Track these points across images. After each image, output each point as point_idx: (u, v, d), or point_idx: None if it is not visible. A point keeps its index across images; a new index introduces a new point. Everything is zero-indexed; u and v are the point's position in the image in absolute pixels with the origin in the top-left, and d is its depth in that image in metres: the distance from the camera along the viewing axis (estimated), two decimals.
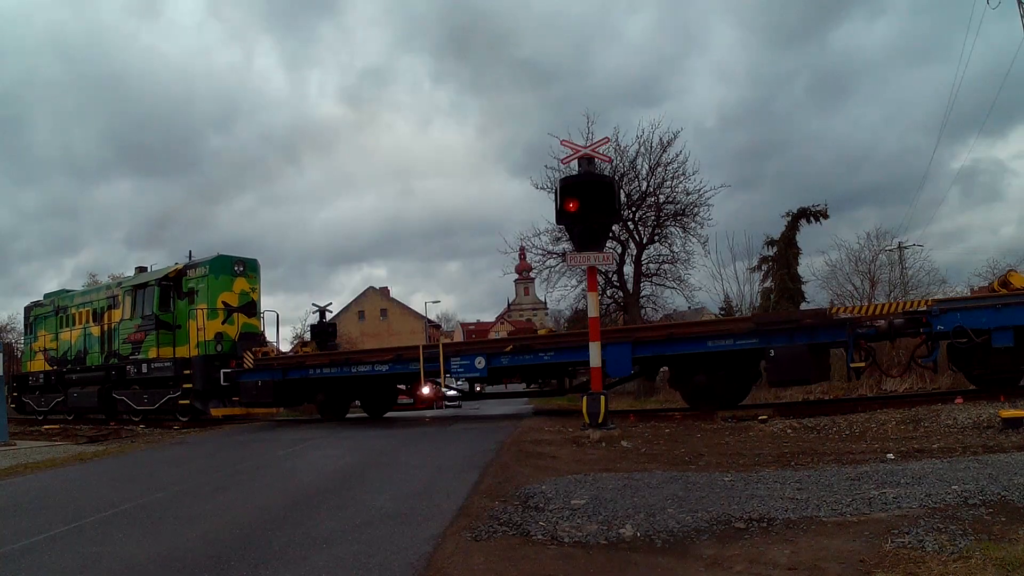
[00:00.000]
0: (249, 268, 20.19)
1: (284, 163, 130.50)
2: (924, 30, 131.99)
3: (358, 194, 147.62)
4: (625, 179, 24.97)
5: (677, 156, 25.05)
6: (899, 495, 5.45)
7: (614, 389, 17.08)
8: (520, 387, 17.44)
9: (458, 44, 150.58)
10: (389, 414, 19.86)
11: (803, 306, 27.79)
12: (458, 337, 73.34)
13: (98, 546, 5.55)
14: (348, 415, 18.80)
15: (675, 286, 26.64)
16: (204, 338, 18.70)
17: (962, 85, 73.91)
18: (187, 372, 18.59)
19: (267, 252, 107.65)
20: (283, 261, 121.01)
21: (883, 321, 11.96)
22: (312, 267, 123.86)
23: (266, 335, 21.20)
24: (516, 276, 76.92)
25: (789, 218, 31.16)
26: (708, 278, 33.66)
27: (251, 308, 19.95)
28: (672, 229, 25.91)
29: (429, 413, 20.64)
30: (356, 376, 16.63)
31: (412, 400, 19.72)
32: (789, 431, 10.22)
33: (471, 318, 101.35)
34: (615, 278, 26.43)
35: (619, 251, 25.63)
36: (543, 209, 55.52)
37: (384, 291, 73.43)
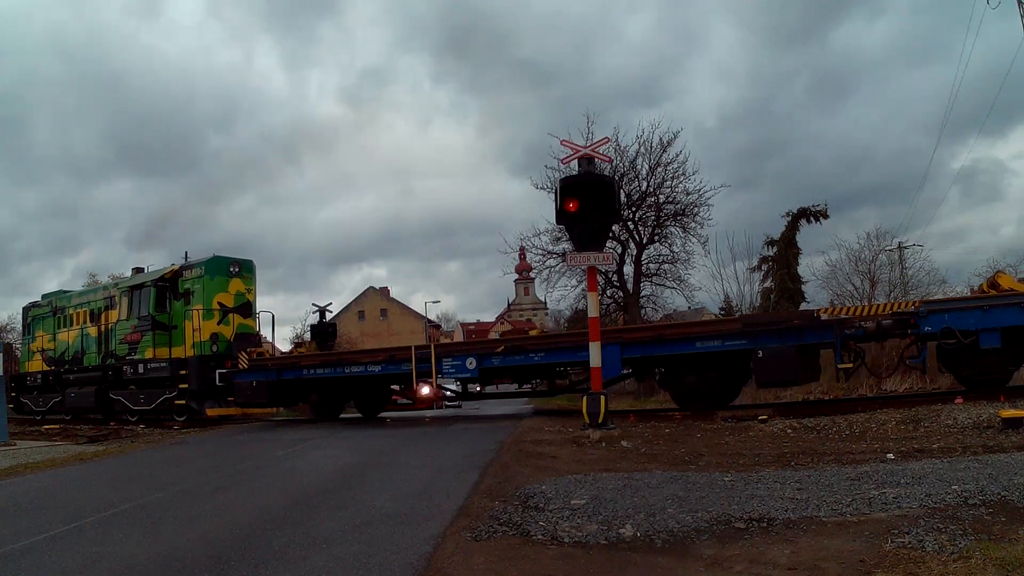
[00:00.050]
0: (245, 269, 20.27)
1: (284, 163, 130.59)
2: (924, 30, 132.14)
3: (358, 194, 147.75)
4: (625, 179, 24.99)
5: (677, 156, 25.10)
6: (899, 495, 5.45)
7: (611, 389, 17.09)
8: (511, 388, 17.46)
9: (458, 44, 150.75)
10: (390, 414, 19.87)
11: (803, 306, 27.80)
12: (458, 337, 73.36)
13: (98, 546, 5.55)
14: (343, 415, 18.84)
15: (675, 286, 26.69)
16: (200, 339, 18.78)
17: (962, 85, 73.97)
18: (183, 372, 18.67)
19: (267, 252, 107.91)
20: (283, 261, 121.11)
21: (871, 322, 12.00)
22: (312, 267, 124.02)
23: (263, 335, 21.27)
24: (516, 276, 76.93)
25: (789, 218, 31.20)
26: (708, 278, 33.70)
27: (247, 309, 20.01)
28: (672, 229, 25.95)
29: (429, 413, 20.64)
30: (350, 376, 16.70)
31: (408, 400, 19.78)
32: (789, 431, 10.22)
33: (471, 318, 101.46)
34: (615, 278, 26.44)
35: (619, 251, 25.63)
36: (543, 209, 55.56)
37: (384, 291, 73.44)
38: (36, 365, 24.23)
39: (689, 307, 29.34)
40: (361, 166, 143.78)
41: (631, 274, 26.33)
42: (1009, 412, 8.74)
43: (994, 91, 72.14)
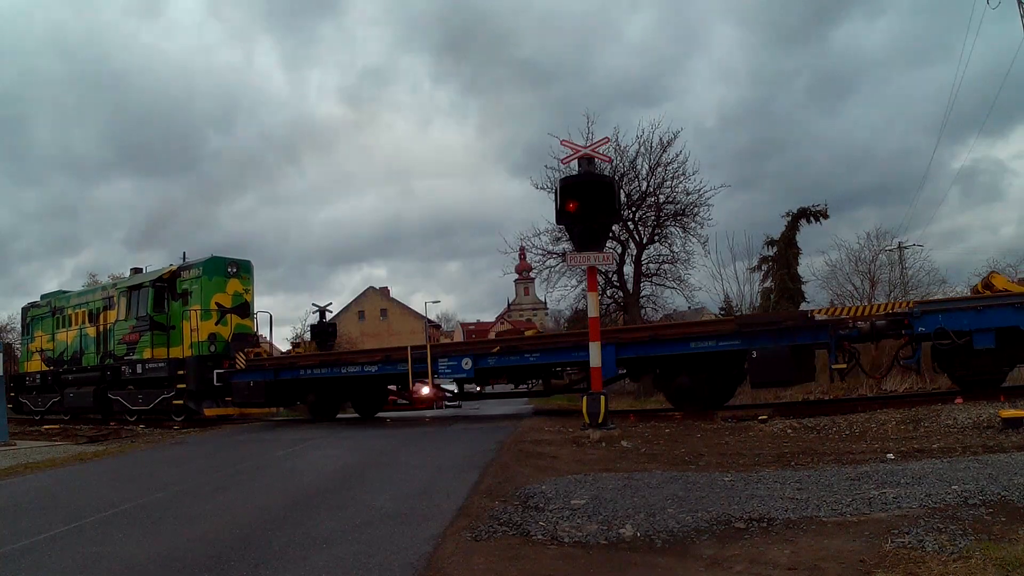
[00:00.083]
0: (242, 269, 20.30)
1: (284, 163, 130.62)
2: (924, 30, 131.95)
3: (358, 194, 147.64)
4: (625, 179, 24.98)
5: (677, 156, 25.08)
6: (899, 495, 5.45)
7: (610, 389, 17.10)
8: (509, 388, 17.51)
9: (458, 44, 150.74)
10: (390, 414, 19.87)
11: (803, 306, 27.80)
12: (458, 337, 73.38)
13: (98, 546, 5.55)
14: (341, 416, 18.87)
15: (675, 286, 26.68)
16: (198, 339, 18.80)
17: (962, 85, 73.94)
18: (181, 372, 18.71)
19: (267, 252, 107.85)
20: (283, 261, 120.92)
21: (865, 323, 12.02)
22: (312, 267, 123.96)
23: (262, 335, 21.29)
24: (516, 276, 76.91)
25: (789, 218, 31.19)
26: (708, 278, 33.62)
27: (244, 309, 20.05)
28: (672, 229, 25.94)
29: (429, 413, 20.64)
30: (346, 377, 16.73)
31: (406, 401, 19.80)
32: (789, 431, 10.22)
33: (471, 318, 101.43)
34: (615, 278, 26.44)
35: (619, 251, 25.63)
36: (543, 209, 55.55)
37: (384, 291, 73.45)
38: (35, 365, 24.25)
39: (689, 307, 29.35)
40: (361, 166, 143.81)
41: (631, 274, 26.33)
42: (1009, 412, 8.74)
43: (994, 91, 72.17)
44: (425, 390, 16.67)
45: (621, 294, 26.55)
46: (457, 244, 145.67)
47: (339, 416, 18.83)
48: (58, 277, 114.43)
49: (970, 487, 5.46)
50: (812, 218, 30.77)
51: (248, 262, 20.68)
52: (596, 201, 10.88)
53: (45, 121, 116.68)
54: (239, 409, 18.92)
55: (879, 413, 10.59)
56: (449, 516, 5.89)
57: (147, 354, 19.56)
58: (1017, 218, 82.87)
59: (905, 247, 29.00)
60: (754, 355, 12.13)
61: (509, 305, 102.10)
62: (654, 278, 26.98)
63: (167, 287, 19.92)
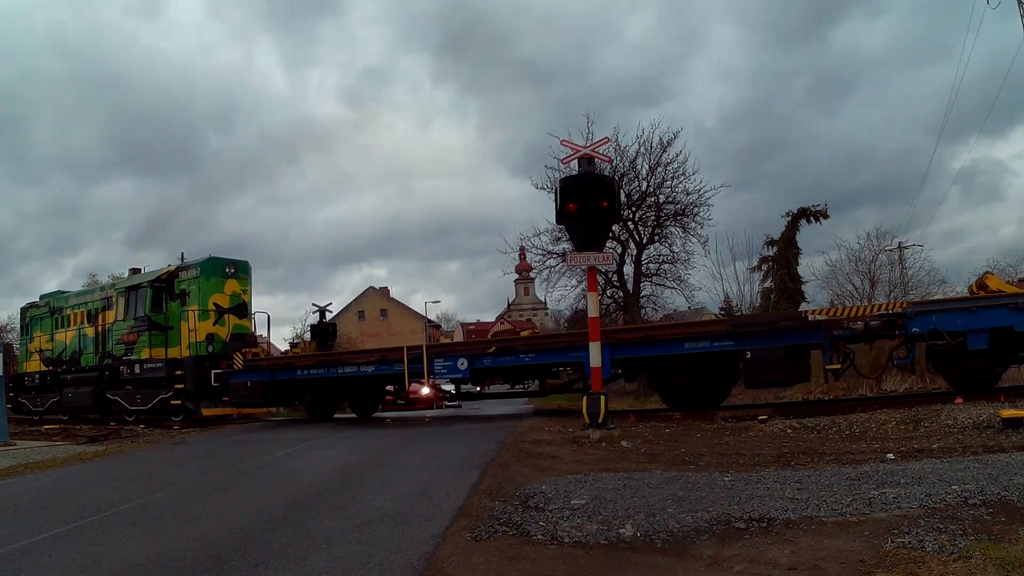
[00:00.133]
0: (240, 270, 20.33)
1: (284, 163, 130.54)
2: (924, 30, 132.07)
3: (358, 194, 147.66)
4: (625, 179, 24.96)
5: (677, 156, 25.05)
6: (899, 495, 5.45)
7: (610, 389, 17.13)
8: (505, 388, 17.55)
9: (458, 44, 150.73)
10: (390, 414, 19.90)
11: (803, 306, 27.79)
12: (458, 337, 73.37)
13: (98, 546, 5.55)
14: (338, 416, 18.91)
15: (675, 286, 26.65)
16: (195, 339, 18.84)
17: (962, 85, 73.94)
18: (179, 373, 18.76)
19: (267, 252, 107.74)
20: (283, 261, 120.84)
21: (859, 323, 12.02)
22: (312, 267, 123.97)
23: (262, 335, 21.31)
24: (516, 276, 76.94)
25: (789, 218, 31.17)
26: (708, 278, 33.63)
27: (242, 309, 20.10)
28: (672, 229, 25.92)
29: (429, 413, 20.66)
30: (343, 377, 16.78)
31: (403, 401, 19.84)
32: (789, 431, 10.22)
33: (471, 318, 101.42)
34: (615, 278, 26.43)
35: (619, 251, 25.61)
36: (543, 209, 55.52)
37: (384, 291, 73.45)
38: (34, 365, 24.28)
39: (689, 307, 29.35)
40: (361, 166, 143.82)
41: (631, 274, 26.32)
42: (1009, 412, 8.74)
43: (994, 91, 72.14)
44: (425, 390, 16.71)
45: (621, 294, 26.54)
46: (457, 244, 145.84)
47: (338, 416, 18.86)
48: (58, 277, 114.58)
49: (970, 487, 5.46)
50: (812, 218, 30.76)
51: (246, 262, 20.72)
52: (596, 201, 10.88)
53: (45, 121, 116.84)
54: (237, 409, 18.97)
55: (879, 413, 10.59)
56: (449, 516, 5.89)
57: (145, 354, 19.60)
58: (1017, 218, 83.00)
59: (905, 247, 29.06)
60: (748, 356, 12.17)
61: (509, 305, 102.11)
62: (654, 278, 26.97)
63: (165, 287, 19.96)
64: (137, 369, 19.72)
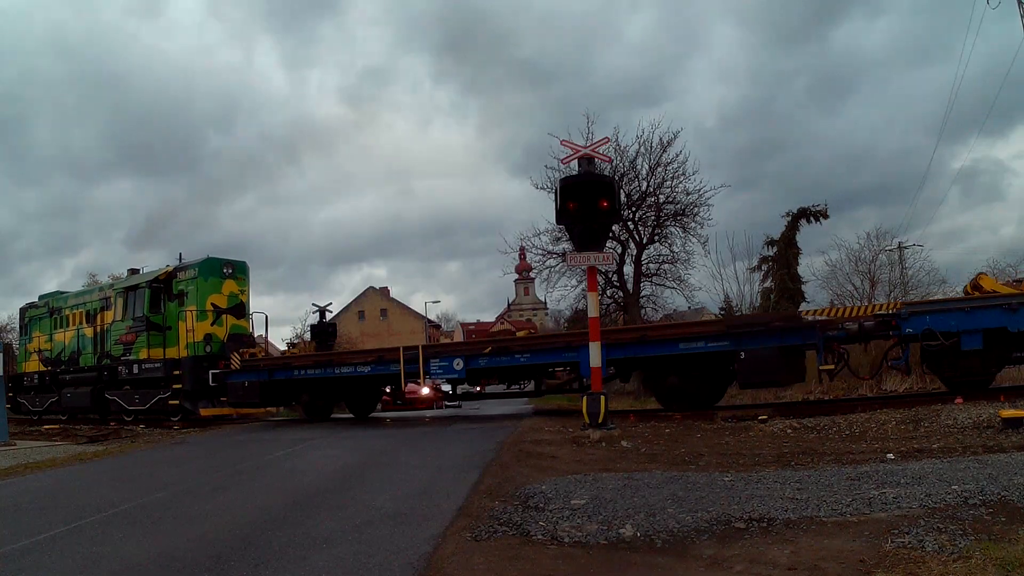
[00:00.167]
0: (238, 270, 20.40)
1: (284, 163, 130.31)
2: (924, 30, 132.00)
3: (358, 194, 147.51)
4: (625, 179, 24.96)
5: (677, 156, 25.05)
6: (899, 495, 5.45)
7: (610, 389, 17.16)
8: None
9: (458, 44, 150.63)
10: (390, 414, 19.92)
11: (803, 306, 27.78)
12: (458, 337, 73.35)
13: (98, 546, 5.55)
14: (338, 416, 18.95)
15: (675, 286, 26.66)
16: (193, 339, 18.92)
17: (962, 85, 73.93)
18: (177, 373, 18.83)
19: (267, 252, 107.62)
20: (283, 261, 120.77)
21: (854, 324, 12.02)
22: (312, 267, 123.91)
23: (263, 336, 21.33)
24: (516, 276, 76.93)
25: (789, 218, 31.15)
26: (708, 278, 33.58)
27: (240, 310, 20.16)
28: (672, 229, 25.92)
29: (429, 413, 20.68)
30: (340, 377, 16.83)
31: (400, 401, 19.86)
32: (789, 431, 10.22)
33: (471, 318, 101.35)
34: (615, 278, 26.43)
35: (619, 251, 25.61)
36: (543, 209, 55.57)
37: (384, 291, 73.44)
38: (33, 365, 24.33)
39: (689, 307, 29.35)
40: (361, 166, 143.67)
41: (631, 274, 26.32)
42: (1009, 412, 8.74)
43: (994, 91, 72.15)
44: (424, 390, 16.74)
45: (621, 294, 26.54)
46: (457, 244, 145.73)
47: (336, 416, 18.91)
48: (58, 277, 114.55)
49: (970, 487, 5.46)
50: (812, 218, 30.74)
51: (244, 263, 20.79)
52: (596, 201, 10.89)
53: (45, 121, 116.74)
54: (234, 409, 19.08)
55: (879, 413, 10.59)
56: (449, 516, 5.89)
57: (143, 354, 19.67)
58: (1017, 218, 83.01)
59: (905, 247, 29.03)
60: (743, 356, 12.23)
61: (509, 305, 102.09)
62: (654, 278, 26.98)
63: (163, 288, 20.04)
64: (135, 369, 19.78)
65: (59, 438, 16.82)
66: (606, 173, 13.56)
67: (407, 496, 6.94)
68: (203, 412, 18.57)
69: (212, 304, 19.48)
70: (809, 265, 36.87)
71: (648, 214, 25.85)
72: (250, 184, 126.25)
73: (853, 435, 9.51)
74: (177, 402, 18.74)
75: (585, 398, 11.13)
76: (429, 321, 61.60)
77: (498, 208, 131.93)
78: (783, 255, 30.59)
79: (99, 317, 21.81)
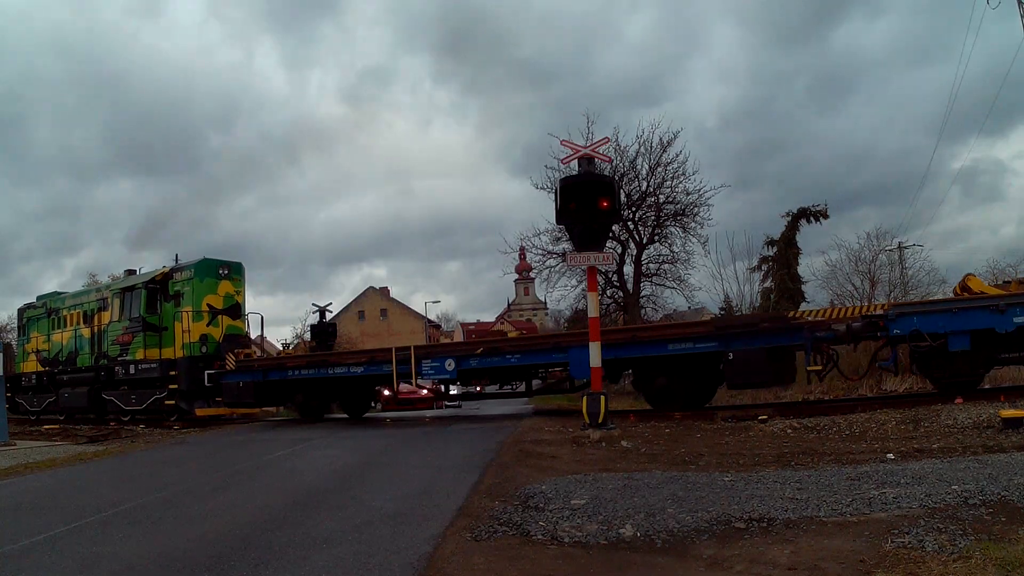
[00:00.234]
0: (234, 271, 20.50)
1: (284, 163, 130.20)
2: (924, 30, 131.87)
3: (358, 194, 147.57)
4: (625, 179, 24.97)
5: (677, 156, 25.07)
6: (899, 495, 5.45)
7: (611, 389, 17.18)
8: (507, 388, 17.65)
9: (458, 44, 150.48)
10: (390, 414, 19.93)
11: (803, 306, 27.79)
12: (458, 337, 73.35)
13: (98, 546, 5.55)
14: (337, 416, 18.97)
15: (675, 286, 26.68)
16: (189, 340, 19.02)
17: (962, 85, 73.95)
18: (173, 373, 18.91)
19: (267, 252, 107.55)
20: (283, 261, 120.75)
21: (842, 325, 12.04)
22: (312, 267, 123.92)
23: (264, 336, 21.39)
24: (516, 276, 76.94)
25: (789, 218, 31.18)
26: (708, 278, 33.62)
27: (236, 310, 20.25)
28: (672, 229, 25.94)
29: (429, 413, 20.68)
30: (334, 377, 16.91)
31: (389, 402, 19.91)
32: (789, 431, 10.22)
33: (471, 318, 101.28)
34: (615, 278, 26.44)
35: (619, 251, 25.62)
36: (543, 209, 55.51)
37: (384, 291, 73.45)
38: (31, 366, 24.42)
39: (689, 307, 29.35)
40: (361, 166, 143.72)
41: (631, 274, 26.33)
42: (1009, 412, 8.74)
43: (994, 91, 72.10)
44: (425, 391, 16.80)
45: (621, 294, 26.55)
46: (457, 244, 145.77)
47: (335, 416, 18.94)
48: (58, 277, 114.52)
49: (970, 487, 5.46)
50: (812, 218, 30.76)
51: (239, 264, 20.89)
52: (596, 201, 10.89)
53: (45, 121, 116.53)
54: (230, 409, 19.18)
55: (879, 413, 10.59)
56: (449, 516, 5.89)
57: (140, 355, 19.76)
58: (1017, 218, 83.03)
59: (905, 247, 29.04)
60: (730, 357, 12.29)
61: (509, 305, 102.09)
62: (654, 278, 27.00)
63: (159, 289, 20.16)
64: (132, 369, 19.88)
65: (59, 438, 16.84)
66: (606, 173, 13.57)
67: (407, 496, 6.94)
68: (199, 412, 18.67)
69: (208, 305, 19.57)
70: (809, 265, 36.92)
71: (648, 214, 25.87)
72: (250, 184, 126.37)
73: (853, 435, 9.51)
74: (173, 402, 18.82)
75: (585, 398, 11.13)
76: (429, 321, 61.61)
77: (498, 208, 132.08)
78: (783, 255, 30.60)
79: (96, 318, 21.91)
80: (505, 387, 17.60)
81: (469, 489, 7.03)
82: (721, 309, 28.43)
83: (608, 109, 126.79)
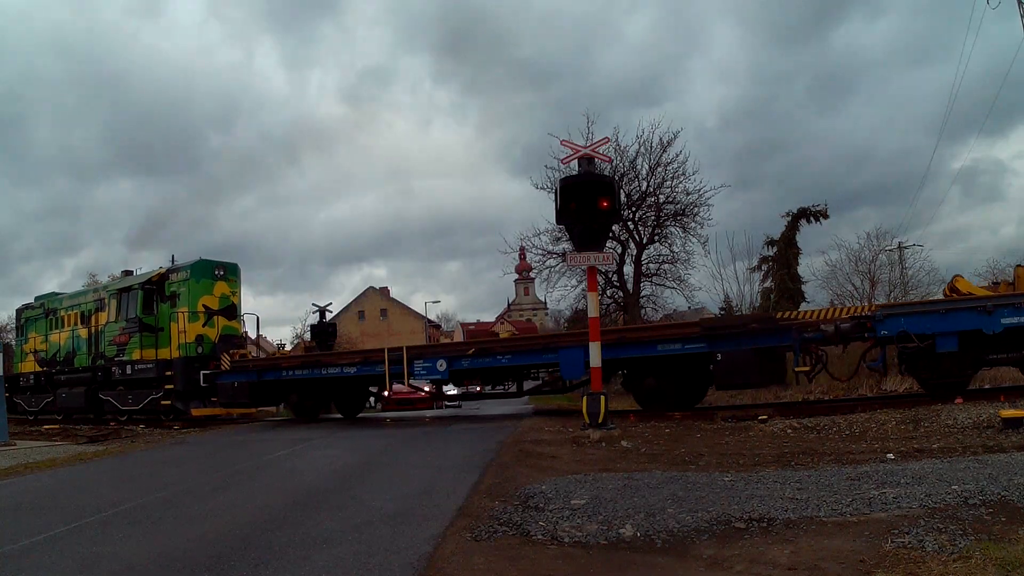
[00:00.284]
0: (229, 272, 20.59)
1: (284, 163, 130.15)
2: (924, 30, 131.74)
3: (358, 194, 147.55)
4: (625, 179, 25.00)
5: (677, 156, 25.11)
6: (899, 495, 5.45)
7: (610, 389, 17.16)
8: (508, 388, 17.69)
9: (458, 44, 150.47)
10: (390, 414, 19.96)
11: (803, 306, 27.79)
12: (458, 337, 73.36)
13: (98, 546, 5.55)
14: (336, 416, 18.97)
15: (675, 286, 26.73)
16: (185, 340, 19.09)
17: (962, 85, 74.00)
18: (169, 373, 18.98)
19: (267, 252, 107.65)
20: (283, 261, 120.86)
21: (830, 326, 12.05)
22: (312, 267, 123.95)
23: (263, 336, 21.43)
24: (516, 276, 76.94)
25: (789, 218, 31.16)
26: (708, 278, 33.72)
27: (231, 311, 20.31)
28: (672, 229, 25.98)
29: (429, 413, 20.69)
30: (328, 378, 16.97)
31: (380, 402, 19.95)
32: (789, 431, 10.22)
33: (471, 318, 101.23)
34: (615, 278, 26.46)
35: (619, 251, 25.65)
36: (543, 209, 55.56)
37: (384, 291, 73.46)
38: (29, 366, 24.48)
39: (689, 307, 29.35)
40: (361, 166, 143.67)
41: (631, 274, 26.35)
42: (1009, 412, 8.74)
43: (994, 91, 72.13)
44: (426, 389, 16.83)
45: (621, 294, 26.56)
46: (457, 244, 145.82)
47: (334, 417, 18.96)
48: (58, 277, 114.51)
49: (970, 487, 5.46)
50: (812, 218, 30.76)
51: (235, 265, 20.98)
52: (596, 201, 10.89)
53: (45, 121, 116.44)
54: (225, 409, 19.24)
55: (879, 413, 10.59)
56: (449, 516, 5.89)
57: (136, 355, 19.84)
58: (1017, 218, 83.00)
59: (905, 247, 29.10)
60: (719, 357, 12.32)
61: (509, 305, 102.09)
62: (654, 278, 27.03)
63: (156, 289, 20.26)
64: (128, 370, 19.95)
65: (59, 438, 16.84)
66: (606, 173, 13.58)
67: (407, 496, 6.94)
68: (194, 412, 18.73)
69: (203, 305, 19.65)
70: (809, 265, 36.97)
71: (648, 214, 25.89)
72: (250, 184, 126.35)
73: (853, 435, 9.51)
74: (169, 402, 18.89)
75: (585, 398, 11.14)
76: (429, 321, 61.62)
77: (498, 208, 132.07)
78: (783, 255, 30.59)
79: (93, 318, 21.98)
80: (497, 388, 17.66)
81: (469, 489, 7.03)
82: (721, 309, 28.46)
83: (608, 109, 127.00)
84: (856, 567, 4.05)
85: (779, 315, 12.99)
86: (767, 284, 31.24)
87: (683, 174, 24.95)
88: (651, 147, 25.08)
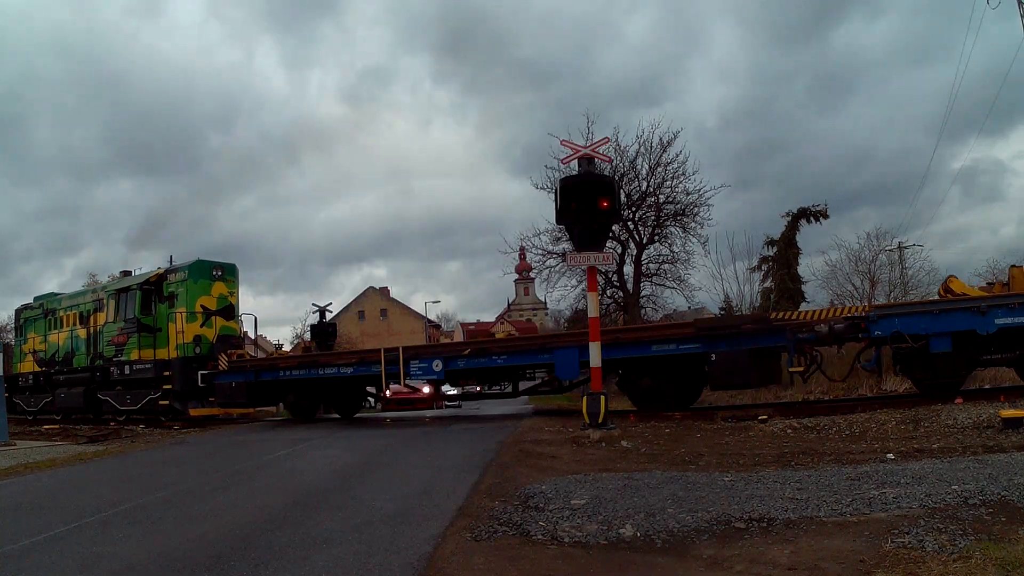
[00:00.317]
0: (227, 272, 20.63)
1: (284, 163, 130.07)
2: (924, 30, 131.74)
3: (358, 194, 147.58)
4: (625, 179, 24.98)
5: (677, 156, 25.09)
6: (899, 495, 5.45)
7: (610, 389, 17.18)
8: (507, 388, 17.70)
9: (458, 44, 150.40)
10: (390, 414, 19.96)
11: (803, 306, 27.79)
12: (458, 337, 73.36)
13: (98, 546, 5.55)
14: (334, 416, 18.99)
15: (675, 286, 26.71)
16: (183, 341, 19.12)
17: (962, 85, 73.94)
18: (167, 373, 19.02)
19: (267, 252, 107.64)
20: (283, 261, 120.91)
21: (824, 327, 12.06)
22: (312, 267, 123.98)
23: (261, 336, 21.45)
24: (516, 276, 76.93)
25: (789, 218, 31.14)
26: (708, 278, 33.61)
27: (229, 311, 20.36)
28: (672, 229, 25.95)
29: (429, 413, 20.70)
30: (324, 378, 17.02)
31: (378, 403, 19.99)
32: (789, 431, 10.22)
33: (471, 318, 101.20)
34: (615, 278, 26.45)
35: (619, 251, 25.63)
36: (543, 209, 55.50)
37: (384, 291, 73.46)
38: (28, 366, 24.50)
39: (689, 307, 29.35)
40: (361, 166, 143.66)
41: (631, 274, 26.34)
42: (1009, 412, 8.74)
43: (994, 91, 72.06)
44: (425, 389, 16.85)
45: (621, 294, 26.56)
46: (457, 244, 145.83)
47: (333, 417, 18.98)
48: (58, 277, 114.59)
49: (970, 487, 5.46)
50: (812, 218, 30.73)
51: (233, 265, 21.03)
52: (596, 201, 10.89)
53: (45, 121, 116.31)
54: (223, 409, 19.28)
55: (879, 413, 10.59)
56: (449, 516, 5.89)
57: (135, 355, 19.87)
58: (1017, 218, 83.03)
59: (905, 247, 29.06)
60: (713, 358, 12.35)
61: (509, 305, 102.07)
62: (654, 278, 27.01)
63: (154, 290, 20.29)
64: (127, 370, 19.98)
65: (59, 438, 16.84)
66: (606, 173, 13.58)
67: (407, 496, 6.94)
68: (192, 412, 18.76)
69: (201, 306, 19.69)
70: (809, 265, 36.86)
71: (648, 214, 25.88)
72: (250, 184, 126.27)
73: (853, 435, 9.51)
74: (167, 402, 18.92)
75: (585, 398, 11.14)
76: (429, 321, 61.62)
77: (498, 208, 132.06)
78: (783, 255, 30.58)
79: (92, 318, 22.02)
80: (494, 388, 17.68)
81: (469, 489, 7.03)
82: (721, 309, 28.43)
83: (608, 109, 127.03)
84: (856, 567, 4.05)
85: (773, 315, 13.00)
86: (767, 284, 31.23)
87: (683, 174, 24.96)
88: (651, 147, 25.10)
